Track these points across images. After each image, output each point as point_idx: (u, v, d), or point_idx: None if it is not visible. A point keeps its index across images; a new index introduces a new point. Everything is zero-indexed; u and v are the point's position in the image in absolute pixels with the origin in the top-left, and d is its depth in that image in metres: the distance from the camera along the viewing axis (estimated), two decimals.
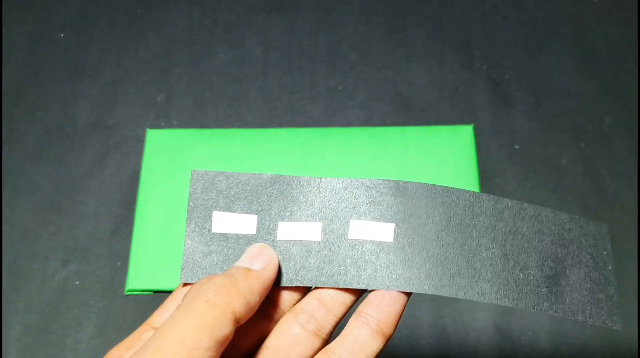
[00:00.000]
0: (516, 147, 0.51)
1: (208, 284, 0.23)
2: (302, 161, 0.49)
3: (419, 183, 0.26)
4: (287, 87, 0.54)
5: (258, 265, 0.25)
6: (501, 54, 0.55)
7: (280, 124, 0.52)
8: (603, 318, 0.25)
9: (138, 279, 0.45)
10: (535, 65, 0.54)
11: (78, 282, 0.46)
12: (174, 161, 0.49)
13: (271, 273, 0.25)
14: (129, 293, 0.45)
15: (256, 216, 0.26)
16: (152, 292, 0.45)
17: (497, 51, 0.55)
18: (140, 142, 0.51)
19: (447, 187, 0.26)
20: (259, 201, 0.26)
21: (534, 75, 0.54)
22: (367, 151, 0.49)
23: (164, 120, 0.52)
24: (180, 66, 0.55)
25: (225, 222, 0.26)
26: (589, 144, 0.51)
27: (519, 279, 0.25)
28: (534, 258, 0.25)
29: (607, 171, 0.49)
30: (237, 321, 0.22)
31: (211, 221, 0.26)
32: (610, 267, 0.26)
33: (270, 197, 0.26)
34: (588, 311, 0.25)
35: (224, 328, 0.22)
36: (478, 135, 0.51)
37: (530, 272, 0.25)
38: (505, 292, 0.25)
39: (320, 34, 0.56)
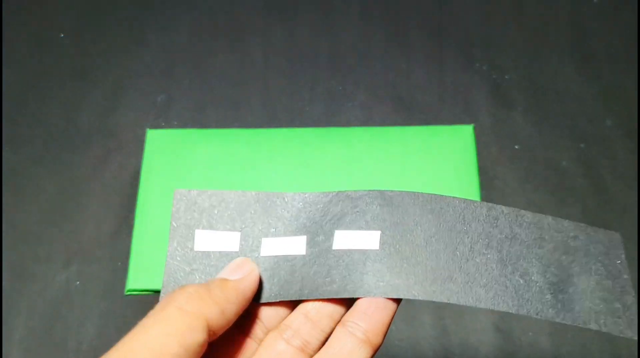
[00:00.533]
0: (516, 147, 0.51)
1: (181, 291, 0.22)
2: (302, 161, 0.49)
3: (405, 191, 0.25)
4: (287, 89, 0.54)
5: (237, 275, 0.24)
6: (501, 55, 0.55)
7: (280, 125, 0.52)
8: (621, 328, 0.24)
9: (138, 279, 0.45)
10: (535, 66, 0.54)
11: (79, 283, 0.46)
12: (174, 161, 0.49)
13: (250, 284, 0.24)
14: (129, 293, 0.45)
15: (239, 233, 0.26)
16: (152, 292, 0.45)
17: (497, 51, 0.55)
18: (141, 143, 0.51)
19: (435, 195, 0.25)
20: (242, 218, 0.26)
21: (534, 76, 0.54)
22: (367, 151, 0.49)
23: (164, 121, 0.53)
24: (180, 68, 0.55)
25: (208, 240, 0.26)
26: (589, 146, 0.51)
27: (518, 284, 0.24)
28: (535, 264, 0.25)
29: (608, 172, 0.49)
30: (211, 330, 0.22)
31: (194, 240, 0.26)
32: (626, 276, 0.25)
33: (254, 215, 0.26)
34: (602, 321, 0.24)
35: (196, 336, 0.21)
36: (478, 135, 0.51)
37: (531, 278, 0.24)
38: (503, 298, 0.24)
39: (320, 36, 0.56)
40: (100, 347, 0.44)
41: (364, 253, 0.25)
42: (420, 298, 0.24)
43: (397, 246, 0.25)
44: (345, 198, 0.26)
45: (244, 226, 0.26)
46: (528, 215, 0.25)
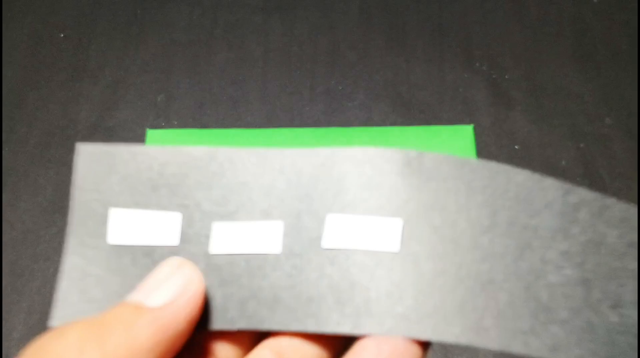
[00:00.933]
0: (516, 147, 0.51)
1: (55, 342, 0.14)
2: None
3: (443, 154, 0.16)
4: (286, 88, 0.54)
5: (161, 297, 0.15)
6: (501, 54, 0.55)
7: (279, 125, 0.52)
8: None
9: None
10: (535, 65, 0.54)
11: None
12: None
13: (182, 312, 0.15)
14: None
15: (180, 214, 0.17)
16: None
17: (497, 51, 0.55)
18: (140, 142, 0.51)
19: (489, 163, 0.16)
20: (185, 191, 0.17)
21: (534, 75, 0.54)
22: None
23: (164, 121, 0.53)
24: (180, 67, 0.55)
25: (130, 226, 0.16)
26: (589, 145, 0.51)
27: (610, 323, 0.15)
28: (630, 289, 0.15)
29: (607, 172, 0.49)
30: None
31: (107, 226, 0.16)
32: None
33: (201, 184, 0.17)
34: None
35: None
36: (478, 135, 0.51)
37: (626, 312, 0.15)
38: (589, 345, 0.14)
39: (319, 35, 0.56)
40: None
41: (373, 255, 0.16)
42: (465, 342, 0.15)
43: (428, 246, 0.15)
44: (347, 159, 0.16)
45: (186, 202, 0.16)
46: (617, 208, 0.16)
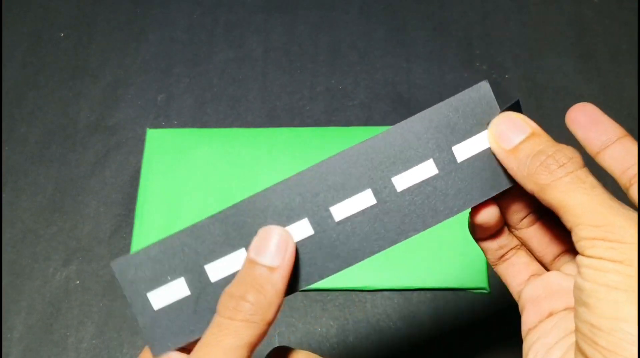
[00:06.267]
0: None
1: (242, 305, 0.22)
2: (302, 161, 0.49)
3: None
4: (287, 87, 0.54)
5: (278, 260, 0.23)
6: (501, 54, 0.55)
7: (280, 124, 0.52)
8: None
9: None
10: (535, 65, 0.54)
11: (79, 282, 0.46)
12: (174, 161, 0.49)
13: (288, 274, 0.24)
14: None
15: (182, 278, 0.25)
16: None
17: (497, 51, 0.55)
18: (140, 142, 0.51)
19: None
20: (175, 263, 0.25)
21: (534, 75, 0.54)
22: None
23: (164, 120, 0.53)
24: (180, 66, 0.55)
25: (162, 297, 0.25)
26: None
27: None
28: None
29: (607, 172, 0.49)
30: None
31: (150, 302, 0.25)
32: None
33: (191, 253, 0.26)
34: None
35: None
36: None
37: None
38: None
39: (320, 34, 0.56)
40: (100, 346, 0.44)
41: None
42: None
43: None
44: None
45: (185, 267, 0.25)
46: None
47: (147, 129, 0.51)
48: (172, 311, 0.25)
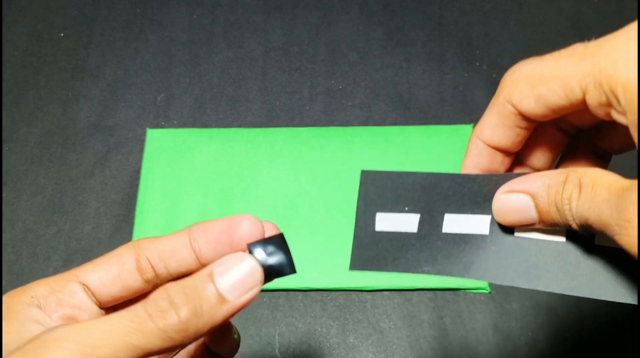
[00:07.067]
0: None
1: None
2: (301, 161, 0.49)
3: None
4: (286, 87, 0.54)
5: (243, 296, 0.21)
6: (501, 54, 0.55)
7: (279, 124, 0.52)
8: None
9: None
10: None
11: None
12: (174, 161, 0.49)
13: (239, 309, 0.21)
14: None
15: (418, 215, 0.26)
16: None
17: (497, 50, 0.55)
18: (140, 142, 0.51)
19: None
20: (423, 200, 0.26)
21: None
22: (366, 151, 0.49)
23: (164, 120, 0.53)
24: (180, 66, 0.55)
25: (388, 221, 0.26)
26: None
27: None
28: None
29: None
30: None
31: (375, 221, 0.26)
32: None
33: (435, 196, 0.26)
34: None
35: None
36: None
37: None
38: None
39: (319, 34, 0.56)
40: None
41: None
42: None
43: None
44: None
45: (424, 206, 0.25)
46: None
47: (147, 129, 0.51)
48: (389, 239, 0.26)
